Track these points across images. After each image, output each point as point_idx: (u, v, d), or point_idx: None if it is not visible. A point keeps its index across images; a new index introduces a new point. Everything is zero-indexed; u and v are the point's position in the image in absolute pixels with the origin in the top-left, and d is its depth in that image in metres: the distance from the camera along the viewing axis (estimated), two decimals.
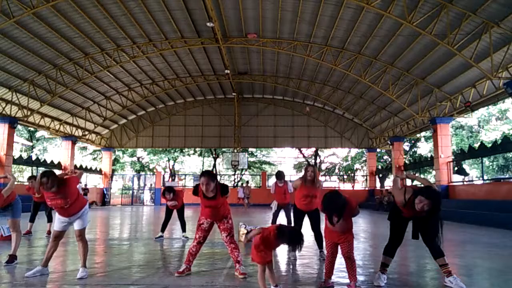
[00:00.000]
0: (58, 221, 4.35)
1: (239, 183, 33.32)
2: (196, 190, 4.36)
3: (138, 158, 36.73)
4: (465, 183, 18.98)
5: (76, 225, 4.34)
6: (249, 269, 4.60)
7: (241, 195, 22.77)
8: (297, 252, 5.63)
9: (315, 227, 5.53)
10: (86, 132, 24.56)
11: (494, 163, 27.80)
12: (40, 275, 4.23)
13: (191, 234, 7.52)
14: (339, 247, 3.84)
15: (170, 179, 32.49)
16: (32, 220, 8.16)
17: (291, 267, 5.10)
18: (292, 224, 5.79)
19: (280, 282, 3.91)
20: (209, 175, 4.23)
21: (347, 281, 3.84)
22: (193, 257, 4.45)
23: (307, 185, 5.37)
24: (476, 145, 19.31)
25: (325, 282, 3.86)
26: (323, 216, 4.27)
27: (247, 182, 26.62)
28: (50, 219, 8.05)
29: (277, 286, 3.58)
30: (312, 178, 5.38)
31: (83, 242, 4.39)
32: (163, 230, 7.87)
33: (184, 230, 7.88)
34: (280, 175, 7.75)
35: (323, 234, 4.24)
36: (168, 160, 36.73)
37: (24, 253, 5.88)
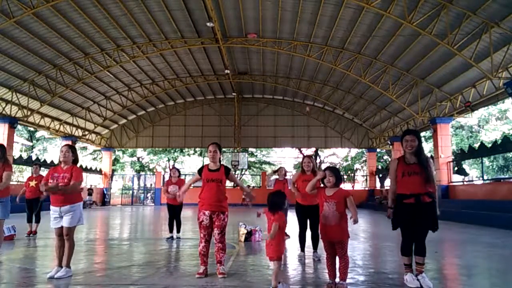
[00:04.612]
0: (52, 217, 4.33)
1: None
2: (200, 169, 4.63)
3: (138, 158, 36.71)
4: (465, 183, 18.97)
5: (65, 222, 4.28)
6: (249, 269, 4.60)
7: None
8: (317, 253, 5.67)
9: (313, 227, 5.52)
10: (86, 132, 24.54)
11: (494, 163, 27.77)
12: (64, 276, 4.16)
13: (190, 234, 7.55)
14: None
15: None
16: (29, 220, 8.11)
17: (291, 267, 5.09)
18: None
19: (279, 280, 3.92)
20: (218, 144, 4.66)
21: (348, 281, 3.84)
22: (206, 257, 4.42)
23: (306, 174, 5.47)
24: (476, 145, 19.29)
25: (333, 283, 3.85)
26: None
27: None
28: (38, 220, 8.11)
29: (280, 282, 3.69)
30: (310, 168, 5.48)
31: (69, 242, 4.30)
32: (171, 230, 7.77)
33: (178, 230, 7.77)
34: (281, 170, 8.25)
35: (319, 236, 4.24)
36: (168, 160, 36.72)
37: (23, 253, 5.88)
